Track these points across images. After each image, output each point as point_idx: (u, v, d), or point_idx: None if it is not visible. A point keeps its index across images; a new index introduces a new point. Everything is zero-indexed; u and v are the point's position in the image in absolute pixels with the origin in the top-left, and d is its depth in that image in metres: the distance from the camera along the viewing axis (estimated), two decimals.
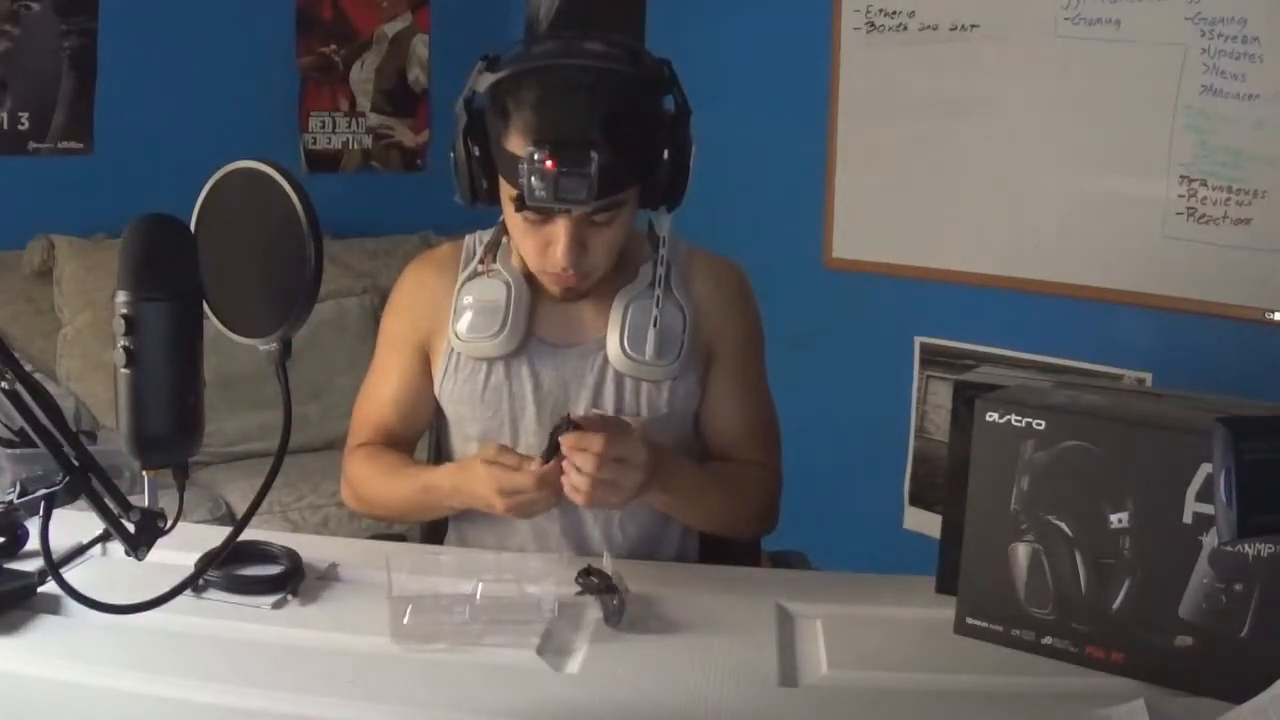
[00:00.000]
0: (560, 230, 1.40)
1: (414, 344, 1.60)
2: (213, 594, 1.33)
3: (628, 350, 1.49)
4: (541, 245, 1.43)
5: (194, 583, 1.01)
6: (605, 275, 1.50)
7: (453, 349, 1.55)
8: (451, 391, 1.57)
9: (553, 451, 1.36)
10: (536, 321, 1.54)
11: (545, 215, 1.40)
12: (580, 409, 1.52)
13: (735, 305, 1.60)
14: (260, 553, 1.42)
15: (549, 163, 1.30)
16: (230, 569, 1.36)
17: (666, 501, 1.51)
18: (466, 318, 1.52)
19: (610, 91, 1.35)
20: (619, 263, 1.52)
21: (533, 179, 1.32)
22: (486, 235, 1.58)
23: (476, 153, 1.42)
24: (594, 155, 1.30)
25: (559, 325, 1.55)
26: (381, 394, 1.63)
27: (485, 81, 1.40)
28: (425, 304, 1.59)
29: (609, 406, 1.52)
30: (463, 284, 1.55)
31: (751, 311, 1.62)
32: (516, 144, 1.36)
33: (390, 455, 1.61)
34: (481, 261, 1.56)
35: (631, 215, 1.46)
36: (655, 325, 1.49)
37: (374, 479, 1.59)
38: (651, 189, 1.44)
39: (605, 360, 1.52)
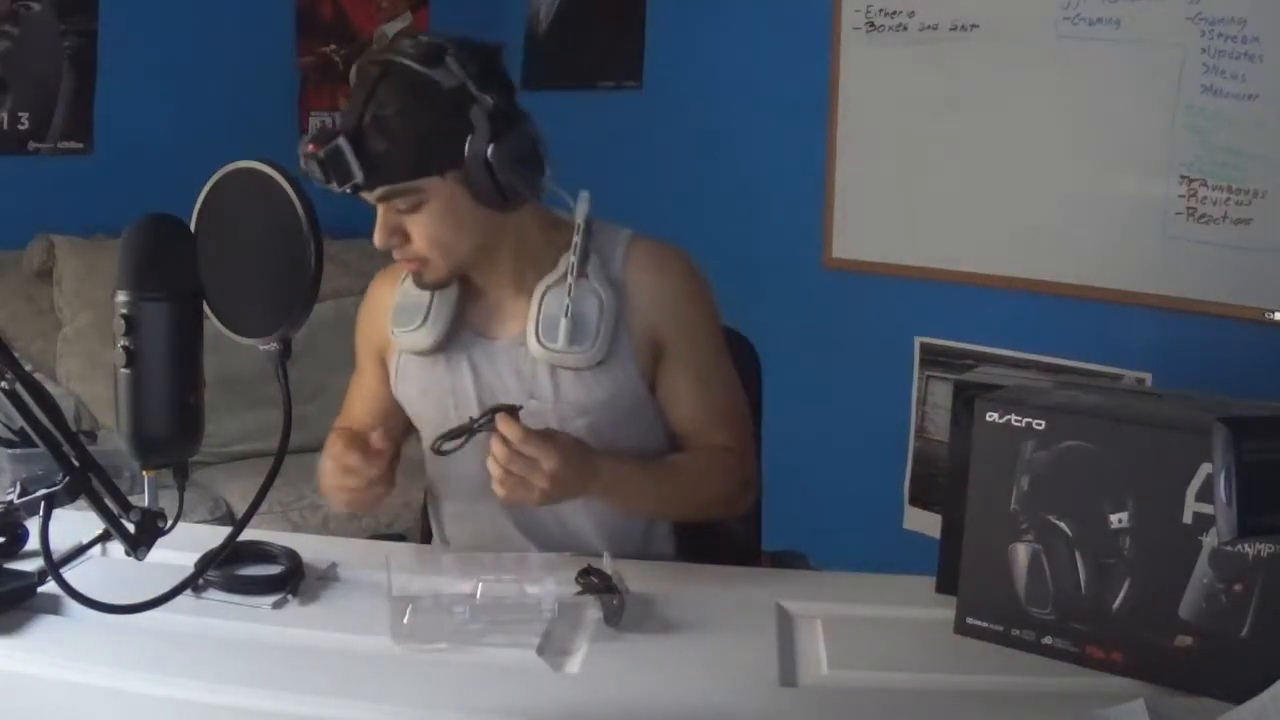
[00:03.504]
0: (378, 215, 1.46)
1: (371, 355, 1.68)
2: (213, 594, 1.33)
3: (541, 339, 1.50)
4: None
5: (194, 582, 1.01)
6: (506, 265, 1.52)
7: (398, 350, 1.61)
8: (404, 392, 1.63)
9: (468, 429, 1.41)
10: (470, 316, 1.58)
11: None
12: (519, 399, 1.53)
13: (680, 291, 1.58)
14: (260, 553, 1.42)
15: (310, 145, 1.38)
16: (230, 569, 1.36)
17: (608, 501, 1.53)
18: (397, 315, 1.58)
19: (385, 85, 1.39)
20: (542, 253, 1.53)
21: (301, 160, 1.39)
22: None
23: None
24: (338, 142, 1.36)
25: (487, 318, 1.58)
26: (356, 402, 1.72)
27: None
28: (376, 315, 1.65)
29: (546, 395, 1.53)
30: (400, 284, 1.59)
31: (698, 296, 1.60)
32: None
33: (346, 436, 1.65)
34: None
35: (449, 209, 1.44)
36: (566, 314, 1.49)
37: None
38: (471, 185, 1.43)
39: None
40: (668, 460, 1.59)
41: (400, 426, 1.69)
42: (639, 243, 1.59)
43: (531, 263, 1.53)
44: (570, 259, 1.51)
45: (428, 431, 1.63)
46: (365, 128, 1.38)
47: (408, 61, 1.39)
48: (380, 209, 1.45)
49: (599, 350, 1.51)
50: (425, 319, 1.55)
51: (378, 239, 1.46)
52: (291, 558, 1.41)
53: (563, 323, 1.49)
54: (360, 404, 1.71)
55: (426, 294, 1.55)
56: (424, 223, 1.45)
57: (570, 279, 1.50)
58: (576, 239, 1.51)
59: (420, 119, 1.39)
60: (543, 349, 1.50)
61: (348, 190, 1.40)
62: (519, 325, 1.54)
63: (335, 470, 1.46)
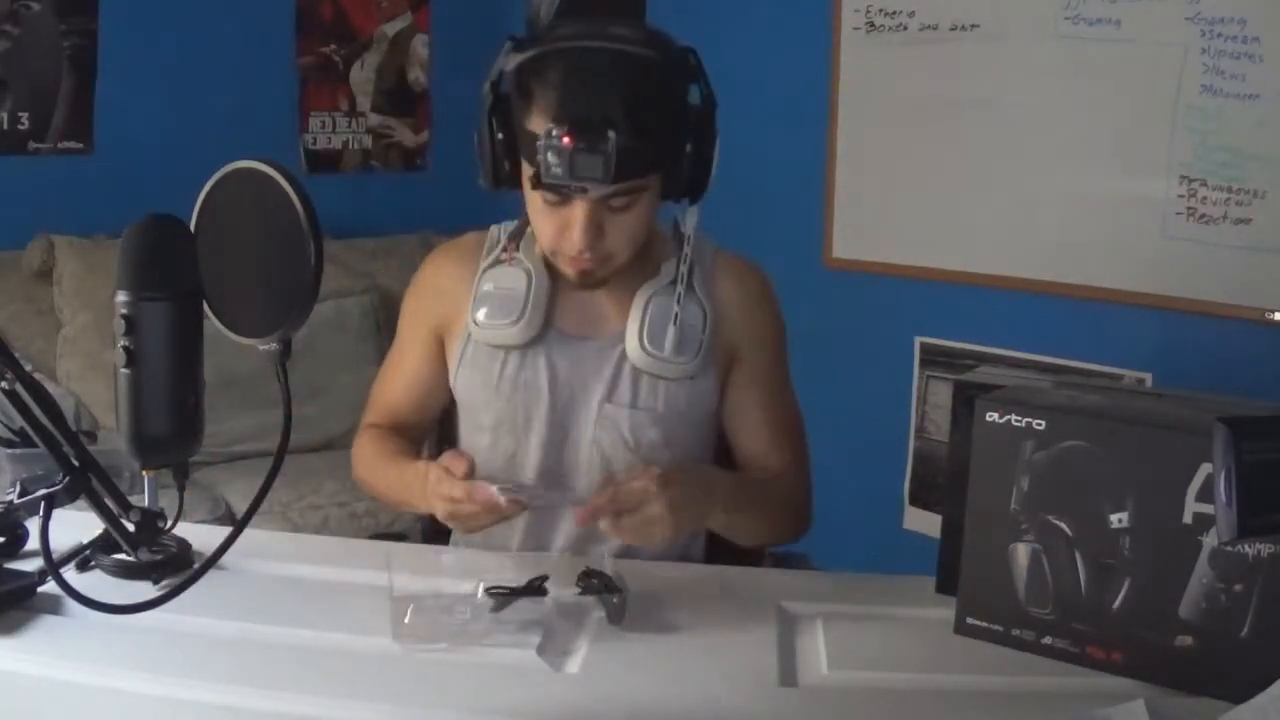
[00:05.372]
0: (578, 213, 1.39)
1: (429, 329, 1.61)
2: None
3: (646, 346, 1.48)
4: (560, 228, 1.43)
5: (193, 582, 1.01)
6: (625, 267, 1.48)
7: (470, 336, 1.55)
8: (466, 380, 1.57)
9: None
10: (556, 312, 1.54)
11: (563, 196, 1.39)
12: (595, 402, 1.53)
13: (760, 308, 1.60)
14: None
15: (566, 139, 1.30)
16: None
17: (727, 521, 1.50)
18: (486, 305, 1.52)
19: (632, 74, 1.34)
20: (641, 258, 1.51)
21: (550, 155, 1.31)
22: (510, 225, 1.59)
23: (500, 135, 1.41)
24: (611, 134, 1.30)
25: (578, 317, 1.55)
26: (395, 379, 1.65)
27: (512, 62, 1.39)
28: (444, 291, 1.59)
29: (624, 400, 1.52)
30: (484, 271, 1.54)
31: (775, 314, 1.62)
32: (537, 123, 1.35)
33: (392, 442, 1.61)
34: (504, 250, 1.56)
35: (652, 205, 1.44)
36: (675, 322, 1.48)
37: (372, 462, 1.61)
38: (673, 180, 1.43)
39: (623, 355, 1.52)
40: (751, 476, 1.58)
41: (437, 410, 1.66)
42: (724, 257, 1.60)
43: (637, 264, 1.51)
44: (680, 269, 1.50)
45: (483, 421, 1.58)
46: (614, 119, 1.30)
47: (642, 50, 1.36)
48: (587, 207, 1.38)
49: (700, 363, 1.50)
50: (523, 314, 1.50)
51: (582, 240, 1.40)
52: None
53: (670, 330, 1.47)
54: (399, 386, 1.64)
55: (521, 286, 1.51)
56: (632, 218, 1.42)
57: (680, 288, 1.49)
58: (687, 249, 1.51)
59: (666, 111, 1.37)
60: (645, 355, 1.49)
61: (579, 189, 1.34)
62: (613, 327, 1.53)
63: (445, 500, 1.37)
